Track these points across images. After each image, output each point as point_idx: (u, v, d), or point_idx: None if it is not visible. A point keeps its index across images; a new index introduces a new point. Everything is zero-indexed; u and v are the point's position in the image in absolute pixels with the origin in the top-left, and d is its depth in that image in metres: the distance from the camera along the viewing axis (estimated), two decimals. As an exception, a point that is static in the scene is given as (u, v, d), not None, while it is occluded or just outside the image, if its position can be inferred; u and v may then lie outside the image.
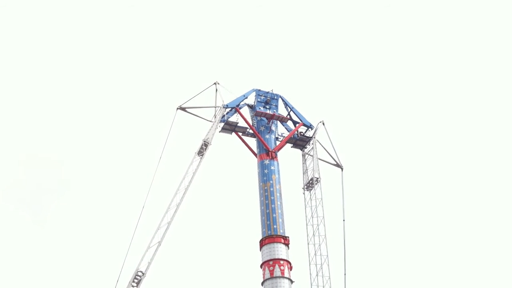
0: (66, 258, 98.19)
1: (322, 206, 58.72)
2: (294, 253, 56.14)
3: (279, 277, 53.82)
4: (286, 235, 56.05)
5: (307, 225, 58.38)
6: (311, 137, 62.96)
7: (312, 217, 58.41)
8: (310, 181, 59.84)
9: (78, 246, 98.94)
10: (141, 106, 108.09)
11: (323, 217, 58.21)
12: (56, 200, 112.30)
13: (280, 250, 54.94)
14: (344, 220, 59.13)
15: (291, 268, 54.93)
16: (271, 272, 54.07)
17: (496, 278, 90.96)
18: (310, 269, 56.54)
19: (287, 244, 55.64)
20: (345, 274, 56.57)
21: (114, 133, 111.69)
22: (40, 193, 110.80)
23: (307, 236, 57.84)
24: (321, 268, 56.19)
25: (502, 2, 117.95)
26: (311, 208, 58.88)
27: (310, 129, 63.64)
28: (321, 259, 56.54)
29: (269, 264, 54.51)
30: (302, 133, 63.34)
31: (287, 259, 54.91)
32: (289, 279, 54.23)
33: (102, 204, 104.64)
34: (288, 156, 62.92)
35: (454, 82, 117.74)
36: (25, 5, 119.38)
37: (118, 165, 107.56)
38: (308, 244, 57.53)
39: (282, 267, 54.31)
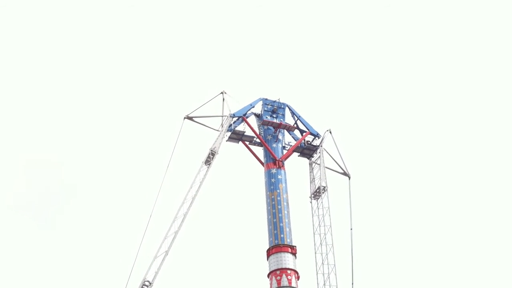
0: (70, 266, 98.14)
1: (330, 215, 58.55)
2: (301, 262, 56.08)
3: (286, 286, 53.59)
4: (293, 244, 55.94)
5: (314, 234, 58.17)
6: (318, 146, 62.86)
7: (320, 226, 58.23)
8: (317, 190, 59.71)
9: (83, 254, 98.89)
10: (148, 115, 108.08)
11: (330, 226, 58.03)
12: (61, 208, 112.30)
13: (287, 260, 54.77)
14: (351, 229, 58.88)
15: (298, 278, 54.76)
16: (278, 281, 53.88)
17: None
18: (317, 279, 56.37)
19: (294, 254, 55.49)
20: (352, 284, 56.34)
21: (121, 142, 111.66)
22: (45, 200, 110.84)
23: (314, 245, 57.67)
24: (329, 277, 56.00)
25: (502, 2, 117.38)
26: (318, 217, 58.70)
27: (317, 137, 63.52)
28: (328, 268, 56.35)
29: (276, 273, 54.35)
30: (309, 142, 63.24)
31: (295, 269, 54.73)
32: (297, 288, 54.11)
33: (108, 213, 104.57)
34: (295, 165, 62.89)
35: (463, 85, 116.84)
36: (25, 5, 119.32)
37: (124, 174, 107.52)
38: (315, 253, 57.33)
39: (289, 277, 54.14)
